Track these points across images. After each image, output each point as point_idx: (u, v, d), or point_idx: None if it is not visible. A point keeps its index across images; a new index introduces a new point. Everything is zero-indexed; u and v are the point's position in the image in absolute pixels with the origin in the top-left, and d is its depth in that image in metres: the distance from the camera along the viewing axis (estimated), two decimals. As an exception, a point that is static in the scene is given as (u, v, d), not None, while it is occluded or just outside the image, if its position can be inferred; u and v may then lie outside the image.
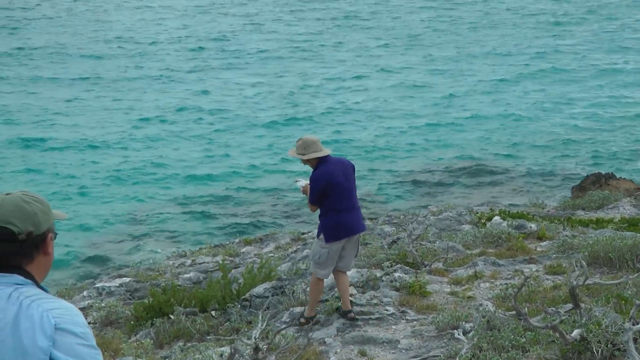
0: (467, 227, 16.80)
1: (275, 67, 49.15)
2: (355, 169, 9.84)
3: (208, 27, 60.94)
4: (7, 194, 3.35)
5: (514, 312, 7.97)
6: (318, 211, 9.62)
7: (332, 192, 9.41)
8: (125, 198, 27.81)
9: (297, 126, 36.75)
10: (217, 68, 48.70)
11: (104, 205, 27.07)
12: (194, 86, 44.24)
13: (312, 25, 62.18)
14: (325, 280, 9.92)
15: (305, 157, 9.45)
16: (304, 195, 9.98)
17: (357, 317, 9.88)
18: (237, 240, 20.74)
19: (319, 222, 9.65)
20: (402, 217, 20.09)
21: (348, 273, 10.16)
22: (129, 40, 55.86)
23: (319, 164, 9.51)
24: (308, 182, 9.70)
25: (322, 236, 9.55)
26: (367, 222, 20.33)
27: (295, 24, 62.67)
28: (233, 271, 14.77)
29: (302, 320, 9.91)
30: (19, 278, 3.22)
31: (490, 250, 13.72)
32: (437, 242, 14.62)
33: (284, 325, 9.82)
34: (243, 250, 18.66)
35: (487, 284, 11.32)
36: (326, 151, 9.54)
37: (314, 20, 63.91)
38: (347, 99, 42.01)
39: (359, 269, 12.08)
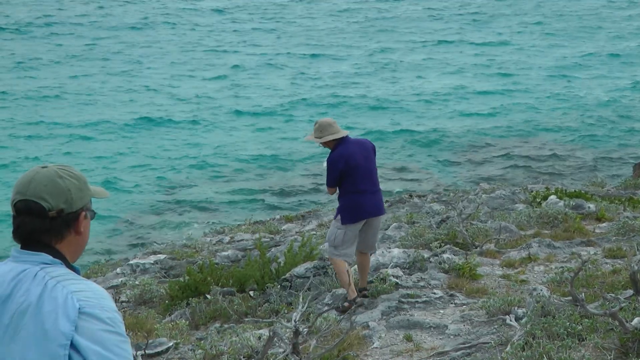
0: (521, 206, 16.68)
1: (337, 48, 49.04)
2: (376, 150, 9.93)
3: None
4: (43, 167, 3.31)
5: (570, 298, 7.88)
6: (337, 192, 9.70)
7: (351, 174, 9.51)
8: (161, 172, 27.99)
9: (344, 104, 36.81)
10: (262, 46, 48.73)
11: (139, 179, 27.28)
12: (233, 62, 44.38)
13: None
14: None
15: (322, 140, 9.57)
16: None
17: (367, 295, 10.04)
18: (277, 217, 20.79)
19: (338, 203, 9.76)
20: (451, 194, 20.02)
21: (388, 256, 10.14)
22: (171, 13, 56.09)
23: (337, 145, 9.61)
24: None
25: (339, 217, 9.67)
26: (415, 200, 20.34)
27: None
28: (273, 250, 14.81)
29: (346, 304, 9.93)
30: (47, 257, 3.19)
31: (546, 232, 13.60)
32: (489, 222, 14.53)
33: (325, 308, 9.83)
34: (284, 227, 18.69)
35: (542, 267, 11.22)
36: (343, 132, 9.62)
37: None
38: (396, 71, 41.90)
39: (406, 249, 12.04)
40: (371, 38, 50.09)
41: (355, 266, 10.50)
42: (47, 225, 3.21)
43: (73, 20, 51.42)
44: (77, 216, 3.28)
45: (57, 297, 3.04)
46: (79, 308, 3.01)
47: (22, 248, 3.24)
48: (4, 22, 49.31)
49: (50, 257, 3.19)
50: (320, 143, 9.67)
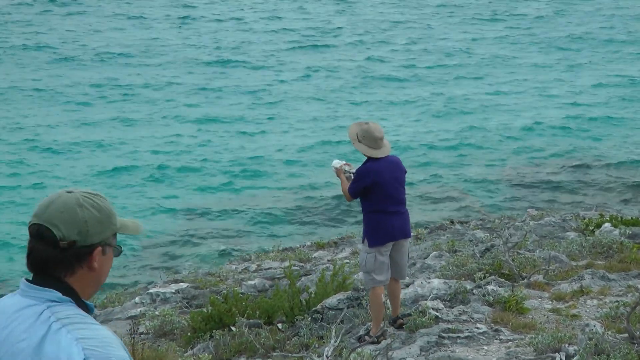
0: (572, 234, 16.57)
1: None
2: (407, 171, 10.22)
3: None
4: (68, 191, 3.27)
5: (626, 335, 7.82)
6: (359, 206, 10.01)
7: (378, 192, 9.72)
8: (181, 193, 28.08)
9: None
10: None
11: (158, 200, 27.38)
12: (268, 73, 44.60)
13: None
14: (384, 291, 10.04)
15: (359, 149, 9.79)
16: (338, 178, 10.33)
17: (404, 323, 10.12)
18: (308, 243, 20.79)
19: (363, 224, 9.98)
20: (496, 221, 19.92)
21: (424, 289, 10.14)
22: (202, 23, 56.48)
23: (370, 158, 9.80)
24: (344, 164, 10.24)
25: (366, 240, 9.86)
26: (457, 226, 20.29)
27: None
28: (303, 279, 14.82)
29: (367, 338, 10.00)
30: (55, 294, 3.14)
31: (599, 262, 13.50)
32: (537, 251, 14.45)
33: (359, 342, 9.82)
34: (315, 255, 18.69)
35: (595, 301, 11.14)
36: (384, 152, 9.79)
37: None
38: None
39: (447, 280, 12.02)
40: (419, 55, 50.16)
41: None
42: (58, 256, 3.17)
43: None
44: (90, 251, 3.21)
45: (61, 342, 2.99)
46: (84, 358, 2.95)
47: (32, 278, 3.19)
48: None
49: (59, 295, 3.14)
50: (354, 145, 9.89)
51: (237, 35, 52.21)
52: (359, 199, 10.02)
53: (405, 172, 10.09)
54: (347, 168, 10.25)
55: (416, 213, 23.21)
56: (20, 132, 33.68)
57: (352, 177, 9.94)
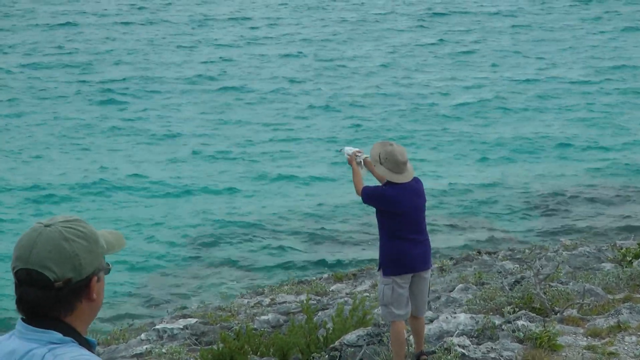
0: (608, 265, 16.49)
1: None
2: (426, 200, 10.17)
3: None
4: (47, 225, 3.23)
5: (667, 374, 7.76)
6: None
7: (395, 219, 9.71)
8: (192, 224, 28.08)
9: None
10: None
11: (167, 232, 27.40)
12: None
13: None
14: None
15: (377, 170, 9.81)
16: (349, 166, 10.42)
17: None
18: (325, 275, 20.78)
19: (379, 248, 9.97)
20: (527, 251, 19.88)
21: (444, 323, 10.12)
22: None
23: (390, 182, 9.76)
24: (357, 151, 10.30)
25: (381, 270, 9.88)
26: (485, 257, 20.22)
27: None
28: (320, 313, 14.78)
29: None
30: (56, 335, 3.13)
31: (638, 296, 13.43)
32: (571, 283, 14.38)
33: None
34: (332, 288, 18.67)
35: (634, 338, 11.07)
36: (407, 177, 9.75)
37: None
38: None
39: (474, 315, 11.97)
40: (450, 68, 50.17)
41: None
42: (53, 298, 3.15)
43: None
44: (87, 283, 3.22)
45: None
46: None
47: (28, 321, 3.18)
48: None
49: (60, 336, 3.14)
50: (372, 170, 9.97)
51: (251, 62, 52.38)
52: (375, 216, 10.03)
53: (425, 199, 10.07)
54: (359, 155, 10.30)
55: (440, 243, 23.15)
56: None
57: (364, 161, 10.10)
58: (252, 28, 59.92)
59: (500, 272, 17.05)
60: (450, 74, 48.21)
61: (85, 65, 49.22)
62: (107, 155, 35.21)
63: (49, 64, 49.42)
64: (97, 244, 3.27)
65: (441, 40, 56.03)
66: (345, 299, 16.39)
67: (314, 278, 20.61)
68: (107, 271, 3.34)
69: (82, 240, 3.21)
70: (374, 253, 24.28)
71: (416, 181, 9.98)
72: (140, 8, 64.55)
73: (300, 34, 58.03)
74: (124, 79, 46.59)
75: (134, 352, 14.14)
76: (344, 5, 66.62)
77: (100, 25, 59.14)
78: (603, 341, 11.00)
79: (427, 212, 10.31)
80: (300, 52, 53.28)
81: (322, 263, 24.19)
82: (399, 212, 9.63)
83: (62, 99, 43.03)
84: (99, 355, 3.21)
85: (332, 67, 50.06)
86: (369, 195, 9.83)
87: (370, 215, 26.98)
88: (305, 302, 13.37)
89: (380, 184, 9.98)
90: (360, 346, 11.31)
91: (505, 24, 60.18)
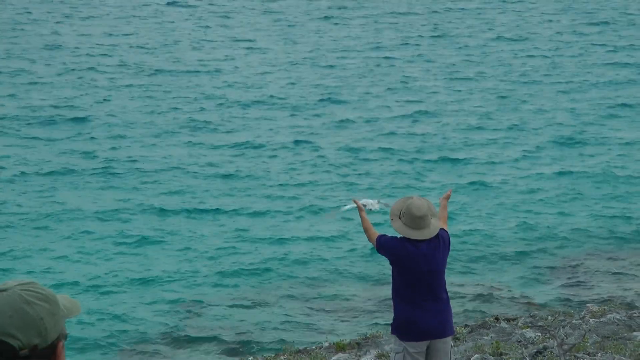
0: (640, 334, 16.43)
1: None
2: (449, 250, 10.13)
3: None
4: (1, 290, 3.19)
5: None
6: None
7: (407, 276, 9.60)
8: (173, 288, 27.86)
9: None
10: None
11: (146, 296, 27.24)
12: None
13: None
14: None
15: (393, 225, 9.76)
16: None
17: None
18: (326, 344, 20.64)
19: (392, 305, 9.91)
20: (549, 318, 19.80)
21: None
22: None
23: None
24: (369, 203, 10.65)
25: (394, 335, 9.80)
26: (503, 324, 20.05)
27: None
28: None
29: None
30: None
31: (674, 369, 13.28)
32: (599, 354, 14.30)
33: None
34: (334, 358, 18.55)
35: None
36: (422, 235, 9.64)
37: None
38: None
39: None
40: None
41: None
42: None
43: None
44: (53, 349, 3.17)
45: None
46: None
47: None
48: None
49: None
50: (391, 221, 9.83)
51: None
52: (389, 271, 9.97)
53: (449, 242, 10.02)
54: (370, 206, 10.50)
55: (453, 307, 22.97)
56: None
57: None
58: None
59: (520, 342, 16.97)
60: (476, 122, 48.39)
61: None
62: (90, 187, 35.29)
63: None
64: (57, 306, 3.25)
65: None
66: (348, 371, 16.31)
67: (314, 347, 20.47)
68: (65, 337, 3.30)
69: (44, 302, 3.18)
70: (380, 319, 24.21)
71: (440, 238, 9.86)
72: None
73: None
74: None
75: None
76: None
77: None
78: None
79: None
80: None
81: (321, 329, 24.01)
82: (412, 272, 9.52)
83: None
84: None
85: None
86: (382, 245, 9.79)
87: (379, 274, 27.00)
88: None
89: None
90: None
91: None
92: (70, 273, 28.17)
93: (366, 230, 10.11)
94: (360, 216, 10.31)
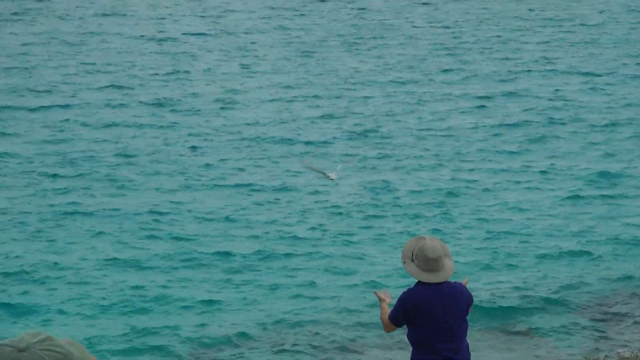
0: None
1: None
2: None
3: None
4: (20, 350, 3.19)
5: None
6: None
7: (422, 325, 9.42)
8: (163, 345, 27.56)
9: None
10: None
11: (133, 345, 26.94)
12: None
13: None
14: None
15: (406, 269, 9.57)
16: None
17: None
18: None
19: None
20: (579, 363, 19.62)
21: None
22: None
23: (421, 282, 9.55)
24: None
25: None
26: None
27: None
28: None
29: None
30: None
31: None
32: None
33: None
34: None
35: None
36: (437, 277, 9.46)
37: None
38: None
39: None
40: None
41: None
42: None
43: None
44: None
45: None
46: None
47: None
48: None
49: None
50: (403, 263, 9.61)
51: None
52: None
53: (470, 302, 9.72)
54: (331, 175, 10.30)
55: (472, 356, 22.60)
56: None
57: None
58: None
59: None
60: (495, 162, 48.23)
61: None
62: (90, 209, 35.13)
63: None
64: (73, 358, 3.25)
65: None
66: None
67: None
68: None
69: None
70: (385, 356, 23.78)
71: (456, 285, 9.71)
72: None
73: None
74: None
75: None
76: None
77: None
78: None
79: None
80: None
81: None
82: (429, 314, 9.33)
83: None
84: None
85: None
86: (396, 310, 9.58)
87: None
88: None
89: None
90: None
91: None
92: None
93: (383, 321, 9.88)
94: (381, 307, 10.02)
